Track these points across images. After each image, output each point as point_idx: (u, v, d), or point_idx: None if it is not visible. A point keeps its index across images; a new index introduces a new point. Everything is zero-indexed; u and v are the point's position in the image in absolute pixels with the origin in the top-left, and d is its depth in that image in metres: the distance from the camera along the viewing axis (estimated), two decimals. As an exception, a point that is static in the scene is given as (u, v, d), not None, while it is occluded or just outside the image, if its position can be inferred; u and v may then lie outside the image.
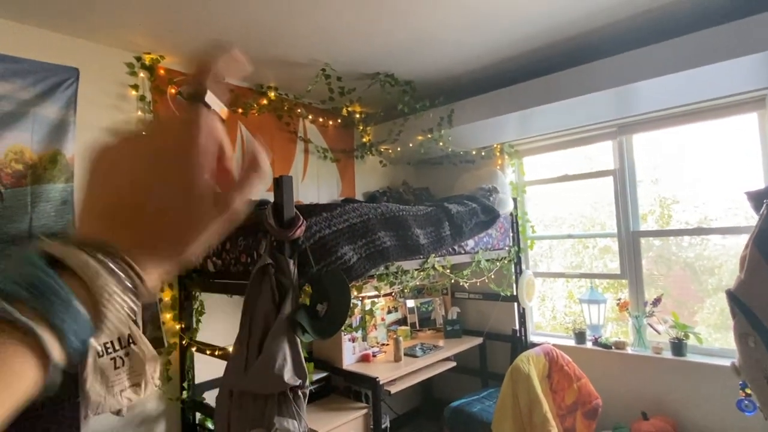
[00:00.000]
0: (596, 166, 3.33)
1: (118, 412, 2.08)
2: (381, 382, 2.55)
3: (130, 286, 0.29)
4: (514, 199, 3.36)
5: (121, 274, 0.28)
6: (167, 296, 2.40)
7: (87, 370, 1.97)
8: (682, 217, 3.05)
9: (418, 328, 3.58)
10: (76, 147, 2.14)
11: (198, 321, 2.45)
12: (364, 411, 2.59)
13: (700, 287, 3.02)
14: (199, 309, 2.45)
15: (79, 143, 2.15)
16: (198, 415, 2.41)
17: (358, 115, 3.34)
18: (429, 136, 3.09)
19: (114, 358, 2.08)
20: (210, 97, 0.35)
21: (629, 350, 2.96)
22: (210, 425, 2.36)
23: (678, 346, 2.76)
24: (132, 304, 0.29)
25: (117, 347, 2.10)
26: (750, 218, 2.68)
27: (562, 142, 3.35)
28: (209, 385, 2.48)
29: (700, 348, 2.78)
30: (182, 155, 0.33)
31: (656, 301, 2.87)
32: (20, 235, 1.96)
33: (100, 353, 2.04)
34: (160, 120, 0.36)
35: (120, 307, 0.28)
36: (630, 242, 3.07)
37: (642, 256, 3.04)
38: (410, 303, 3.64)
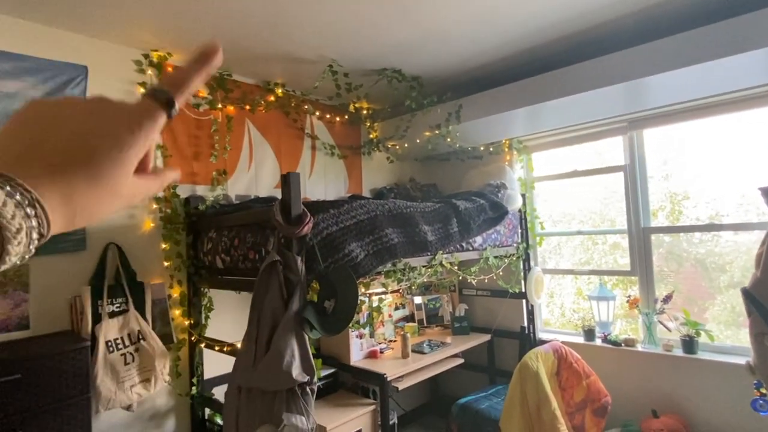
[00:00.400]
0: (606, 162, 3.29)
1: (128, 408, 2.11)
2: (389, 379, 2.56)
3: (36, 217, 0.28)
4: (523, 195, 3.34)
5: (29, 209, 0.27)
6: (176, 293, 2.42)
7: (97, 365, 2.00)
8: (692, 213, 3.01)
9: (425, 324, 3.58)
10: (86, 144, 2.16)
11: (206, 317, 2.46)
12: (372, 407, 2.59)
13: (711, 284, 2.99)
14: (208, 305, 2.47)
15: (88, 141, 2.16)
16: (207, 411, 2.43)
17: (365, 112, 3.33)
18: (436, 132, 3.07)
19: (124, 354, 2.10)
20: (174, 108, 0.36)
21: (639, 347, 2.93)
22: (219, 421, 2.37)
23: (689, 344, 2.73)
24: (39, 235, 0.28)
25: (127, 343, 2.13)
26: (762, 214, 2.64)
27: (572, 138, 3.31)
28: (218, 380, 2.49)
29: (712, 345, 2.74)
30: (112, 128, 0.33)
31: (667, 298, 2.83)
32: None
33: (111, 349, 2.07)
34: (106, 100, 0.35)
35: (26, 239, 0.27)
36: (640, 238, 3.03)
37: (652, 253, 3.01)
38: (417, 300, 3.63)
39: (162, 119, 0.36)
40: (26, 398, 1.67)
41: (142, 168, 0.36)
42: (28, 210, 0.27)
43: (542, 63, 2.72)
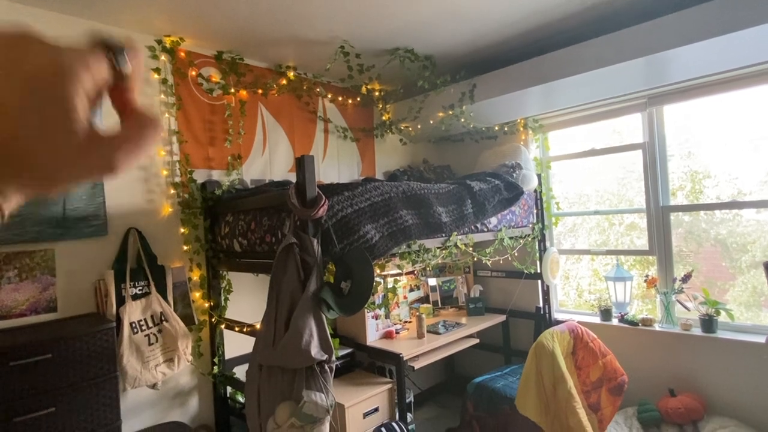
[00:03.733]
0: (624, 141, 3.22)
1: (153, 386, 2.18)
2: (405, 358, 2.59)
3: None
4: (539, 176, 3.30)
5: None
6: (196, 276, 2.47)
7: (123, 346, 2.07)
8: (713, 192, 2.94)
9: (440, 306, 3.60)
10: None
11: (226, 299, 2.52)
12: (389, 386, 2.64)
13: (731, 264, 2.93)
14: (227, 288, 2.52)
15: (105, 127, 2.19)
16: (229, 389, 2.51)
17: (377, 93, 3.30)
18: (450, 112, 3.03)
19: (148, 335, 2.17)
20: (122, 57, 0.32)
21: (657, 327, 2.91)
22: (240, 398, 2.45)
23: (708, 323, 2.70)
24: None
25: (150, 324, 2.19)
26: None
27: (589, 116, 3.24)
28: (239, 360, 2.56)
29: (731, 325, 2.71)
30: (59, 87, 0.28)
31: (686, 278, 2.80)
32: (55, 218, 2.03)
33: (135, 330, 2.14)
34: (44, 43, 0.30)
35: None
36: (659, 218, 2.98)
37: (671, 233, 2.96)
38: (432, 281, 3.65)
39: (98, 58, 0.31)
40: (58, 377, 1.74)
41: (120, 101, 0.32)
42: None
43: (558, 39, 2.64)
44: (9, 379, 1.63)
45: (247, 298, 2.64)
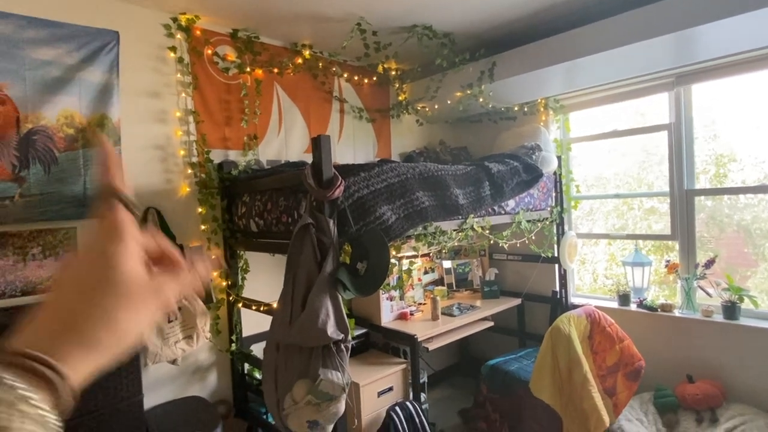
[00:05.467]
0: (648, 123, 3.11)
1: (173, 362, 2.24)
2: (419, 339, 2.60)
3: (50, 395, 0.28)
4: (558, 158, 3.22)
5: (28, 393, 0.27)
6: (214, 255, 2.50)
7: (144, 322, 2.11)
8: (738, 176, 2.84)
9: (454, 288, 3.59)
10: (122, 110, 2.20)
11: (243, 278, 2.55)
12: (403, 366, 2.66)
13: (755, 251, 2.85)
14: (244, 267, 2.55)
15: (123, 107, 2.21)
16: (246, 366, 2.56)
17: (393, 72, 3.24)
18: (468, 92, 2.96)
19: (167, 312, 2.22)
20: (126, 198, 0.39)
21: (676, 313, 2.86)
22: (258, 375, 2.50)
23: (731, 309, 2.64)
24: (45, 413, 0.27)
25: (170, 302, 2.23)
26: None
27: (614, 95, 3.13)
28: (256, 338, 2.60)
29: (755, 312, 2.64)
30: (104, 243, 0.35)
31: (709, 263, 2.73)
32: (77, 197, 2.06)
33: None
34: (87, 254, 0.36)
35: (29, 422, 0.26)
36: (683, 201, 2.89)
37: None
38: (447, 264, 3.64)
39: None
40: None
41: (163, 263, 0.38)
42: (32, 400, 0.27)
43: (583, 14, 2.54)
44: (36, 353, 1.68)
45: (264, 278, 2.66)
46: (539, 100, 3.30)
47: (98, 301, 0.33)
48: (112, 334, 0.33)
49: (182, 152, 2.42)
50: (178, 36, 2.39)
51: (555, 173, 3.22)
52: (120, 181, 0.39)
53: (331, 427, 1.65)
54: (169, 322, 2.20)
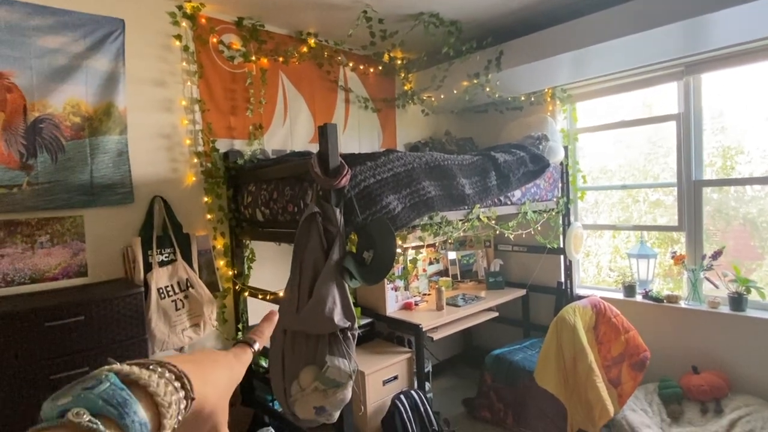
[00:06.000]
0: (656, 114, 3.08)
1: (180, 349, 2.26)
2: (424, 329, 2.61)
3: (183, 389, 0.36)
4: (565, 148, 3.20)
5: (177, 383, 0.35)
6: (220, 244, 2.51)
7: (151, 310, 2.13)
8: (745, 169, 2.81)
9: (459, 279, 3.59)
10: (128, 99, 2.20)
11: (249, 268, 2.56)
12: (408, 355, 2.68)
13: (761, 244, 2.83)
14: (250, 256, 2.56)
15: (129, 95, 2.20)
16: (252, 355, 2.57)
17: (399, 62, 3.22)
18: (475, 81, 2.93)
19: (174, 301, 2.23)
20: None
21: (682, 304, 2.85)
22: (264, 363, 2.51)
23: (737, 301, 2.63)
24: (183, 407, 0.36)
25: (177, 290, 2.25)
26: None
27: (622, 85, 3.10)
28: (261, 327, 2.61)
29: (762, 303, 2.63)
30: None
31: (716, 255, 2.71)
32: (83, 186, 2.07)
33: (162, 296, 2.19)
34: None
35: (177, 411, 0.35)
36: (691, 192, 2.87)
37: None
38: (452, 255, 3.63)
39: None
40: (90, 338, 1.81)
41: None
42: (177, 384, 0.35)
43: (591, 1, 2.50)
44: (45, 339, 1.70)
45: (270, 267, 2.67)
46: (546, 90, 3.27)
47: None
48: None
49: (188, 141, 2.41)
50: (183, 24, 2.38)
51: (561, 164, 3.20)
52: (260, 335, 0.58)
53: (337, 413, 1.67)
54: (177, 310, 2.22)
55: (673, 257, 2.92)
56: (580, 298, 2.98)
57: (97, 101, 2.11)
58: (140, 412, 0.32)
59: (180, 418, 0.35)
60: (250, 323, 2.59)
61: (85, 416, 0.29)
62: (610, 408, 2.31)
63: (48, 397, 0.31)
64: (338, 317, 1.59)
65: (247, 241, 2.54)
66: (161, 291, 2.19)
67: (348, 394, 1.65)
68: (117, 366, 0.34)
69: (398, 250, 2.93)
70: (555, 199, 3.17)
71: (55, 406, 0.30)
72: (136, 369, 0.34)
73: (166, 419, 0.33)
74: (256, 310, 2.57)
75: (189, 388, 0.36)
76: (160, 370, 0.34)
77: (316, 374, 1.57)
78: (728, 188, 2.87)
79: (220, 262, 2.51)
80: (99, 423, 0.29)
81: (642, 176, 3.28)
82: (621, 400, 2.48)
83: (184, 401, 0.35)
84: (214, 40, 2.49)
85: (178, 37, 2.35)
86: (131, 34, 2.21)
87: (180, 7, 2.35)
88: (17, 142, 1.91)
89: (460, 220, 2.40)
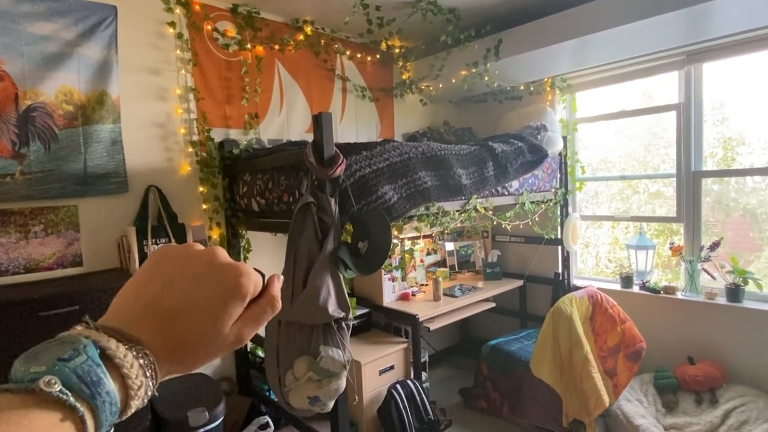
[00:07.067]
0: (656, 104, 3.05)
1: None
2: (420, 319, 2.62)
3: (151, 378, 0.35)
4: (564, 138, 3.17)
5: (147, 371, 0.34)
6: (215, 234, 2.50)
7: (147, 300, 2.13)
8: (746, 160, 2.79)
9: (456, 270, 3.59)
10: (121, 87, 2.17)
11: (245, 258, 2.55)
12: (404, 345, 2.68)
13: (760, 235, 2.82)
14: (246, 247, 2.55)
15: (122, 83, 2.18)
16: (249, 344, 2.58)
17: (397, 50, 3.18)
18: (473, 70, 2.90)
19: (170, 291, 2.23)
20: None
21: (679, 295, 2.85)
22: (260, 353, 2.52)
23: (734, 292, 2.63)
24: (151, 392, 0.35)
25: (172, 280, 2.24)
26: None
27: (623, 74, 3.06)
28: (258, 317, 2.62)
29: (759, 294, 2.63)
30: (227, 297, 0.38)
31: (714, 246, 2.70)
32: (77, 175, 2.05)
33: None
34: (220, 258, 0.40)
35: (144, 395, 0.34)
36: (690, 183, 2.85)
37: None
38: (449, 246, 3.63)
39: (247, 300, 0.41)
40: (86, 327, 1.80)
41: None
42: (149, 372, 0.34)
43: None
44: (38, 329, 1.69)
45: (267, 257, 2.67)
46: (546, 79, 3.23)
47: (192, 346, 0.38)
48: (187, 366, 0.39)
49: (183, 130, 2.39)
50: (177, 11, 2.34)
51: (560, 154, 3.18)
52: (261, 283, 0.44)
53: (331, 403, 1.67)
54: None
55: (671, 248, 2.92)
56: (577, 288, 2.98)
57: (89, 89, 2.08)
58: (112, 393, 0.31)
59: (146, 401, 0.35)
60: (247, 313, 2.59)
61: (56, 386, 0.28)
62: (605, 398, 2.32)
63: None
64: (332, 307, 1.58)
65: (243, 232, 2.53)
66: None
67: (342, 384, 1.65)
68: (95, 334, 0.33)
69: (395, 241, 2.93)
70: (553, 190, 3.15)
71: (27, 372, 0.29)
72: (113, 344, 0.33)
73: (134, 400, 0.33)
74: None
75: (156, 377, 0.35)
76: (135, 351, 0.34)
77: (310, 364, 1.57)
78: (729, 179, 2.85)
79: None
80: (69, 395, 0.29)
81: (642, 167, 3.26)
82: (616, 391, 2.49)
83: (152, 386, 0.35)
84: (209, 27, 2.46)
85: (172, 24, 2.32)
86: (124, 20, 2.17)
87: (173, -6, 2.32)
88: (9, 131, 1.89)
89: (457, 211, 2.39)
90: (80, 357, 0.30)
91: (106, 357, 0.32)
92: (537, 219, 3.07)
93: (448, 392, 3.16)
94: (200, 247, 0.41)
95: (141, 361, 0.34)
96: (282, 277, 0.44)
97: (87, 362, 0.30)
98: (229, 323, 0.38)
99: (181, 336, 0.37)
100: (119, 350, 0.33)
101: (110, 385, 0.31)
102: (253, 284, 0.40)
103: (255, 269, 0.42)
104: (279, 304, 0.42)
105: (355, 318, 2.77)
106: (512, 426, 2.75)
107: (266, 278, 0.43)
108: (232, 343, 0.39)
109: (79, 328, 0.34)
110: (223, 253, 0.41)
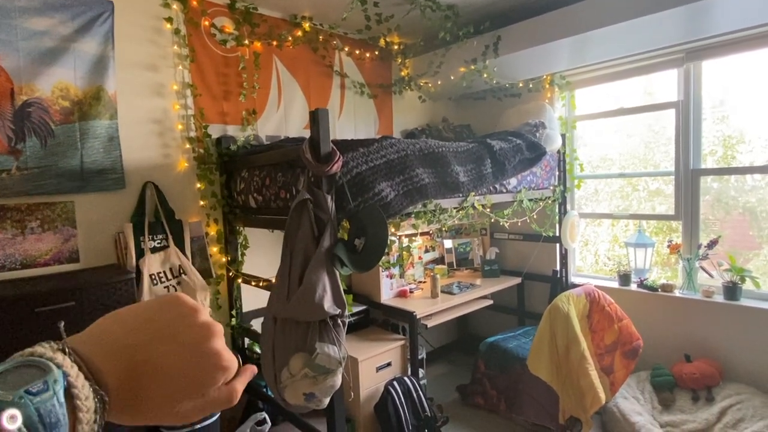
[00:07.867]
0: (656, 102, 3.04)
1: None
2: (418, 316, 2.62)
3: (99, 426, 0.35)
4: (563, 136, 3.17)
5: (100, 416, 0.34)
6: (213, 231, 2.49)
7: (143, 297, 2.13)
8: (746, 158, 2.79)
9: (455, 267, 3.59)
10: (118, 83, 2.17)
11: (242, 254, 2.55)
12: (402, 342, 2.69)
13: (759, 233, 2.82)
14: (243, 243, 2.55)
15: (119, 79, 2.17)
16: (246, 340, 2.59)
17: (396, 47, 3.17)
18: (472, 67, 2.89)
19: (167, 287, 2.23)
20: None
21: (677, 293, 2.85)
22: (257, 349, 2.52)
23: (732, 290, 2.63)
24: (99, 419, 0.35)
25: (170, 277, 2.24)
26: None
27: (622, 71, 3.05)
28: (255, 313, 2.62)
29: (756, 292, 2.63)
30: (197, 385, 0.39)
31: (712, 244, 2.70)
32: (73, 171, 2.05)
33: (155, 282, 2.19)
34: (213, 343, 0.41)
35: (93, 415, 0.34)
36: (688, 181, 2.85)
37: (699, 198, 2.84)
38: (447, 243, 3.63)
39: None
40: (81, 324, 1.76)
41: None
42: (99, 419, 0.34)
43: (592, -15, 2.45)
44: (34, 325, 1.69)
45: (264, 254, 2.66)
46: (545, 77, 3.22)
47: (143, 407, 0.38)
48: (124, 422, 0.38)
49: (180, 126, 2.39)
50: (174, 6, 2.33)
51: (559, 152, 3.17)
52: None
53: (327, 399, 1.67)
54: (169, 296, 2.21)
55: (669, 246, 2.92)
56: (575, 286, 2.98)
57: (86, 85, 2.07)
58: None
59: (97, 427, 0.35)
60: (244, 309, 2.59)
61: (17, 422, 0.29)
62: (601, 395, 2.32)
63: None
64: (328, 304, 1.58)
65: (241, 228, 2.53)
66: (153, 277, 2.19)
67: (338, 380, 1.65)
68: (68, 363, 0.33)
69: (392, 238, 2.93)
70: (551, 188, 3.15)
71: None
72: (80, 381, 0.33)
73: (82, 412, 0.33)
74: (250, 296, 2.57)
75: (103, 424, 0.36)
76: (97, 397, 0.34)
77: (305, 361, 1.57)
78: (728, 177, 2.85)
79: (214, 249, 2.50)
80: None
81: (642, 165, 3.26)
82: (613, 388, 2.50)
83: (100, 418, 0.35)
84: (206, 23, 2.45)
85: (169, 19, 2.31)
86: (120, 16, 2.16)
87: (171, -11, 2.30)
88: (5, 126, 1.89)
89: (455, 208, 2.39)
90: (47, 393, 0.31)
91: (69, 395, 0.32)
92: (535, 216, 3.07)
93: (445, 389, 3.17)
94: (206, 316, 0.42)
95: (97, 404, 0.34)
96: (255, 370, 0.46)
97: (51, 401, 0.31)
98: (186, 406, 0.39)
99: (138, 393, 0.37)
100: (83, 390, 0.33)
101: (65, 428, 0.32)
102: (224, 380, 0.41)
103: (234, 353, 0.43)
104: (236, 400, 0.43)
105: (353, 315, 2.77)
106: (509, 423, 2.76)
107: (241, 368, 0.44)
108: (174, 419, 0.39)
109: (54, 345, 0.34)
110: (219, 338, 0.41)
